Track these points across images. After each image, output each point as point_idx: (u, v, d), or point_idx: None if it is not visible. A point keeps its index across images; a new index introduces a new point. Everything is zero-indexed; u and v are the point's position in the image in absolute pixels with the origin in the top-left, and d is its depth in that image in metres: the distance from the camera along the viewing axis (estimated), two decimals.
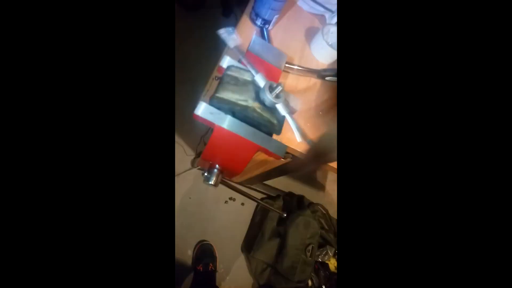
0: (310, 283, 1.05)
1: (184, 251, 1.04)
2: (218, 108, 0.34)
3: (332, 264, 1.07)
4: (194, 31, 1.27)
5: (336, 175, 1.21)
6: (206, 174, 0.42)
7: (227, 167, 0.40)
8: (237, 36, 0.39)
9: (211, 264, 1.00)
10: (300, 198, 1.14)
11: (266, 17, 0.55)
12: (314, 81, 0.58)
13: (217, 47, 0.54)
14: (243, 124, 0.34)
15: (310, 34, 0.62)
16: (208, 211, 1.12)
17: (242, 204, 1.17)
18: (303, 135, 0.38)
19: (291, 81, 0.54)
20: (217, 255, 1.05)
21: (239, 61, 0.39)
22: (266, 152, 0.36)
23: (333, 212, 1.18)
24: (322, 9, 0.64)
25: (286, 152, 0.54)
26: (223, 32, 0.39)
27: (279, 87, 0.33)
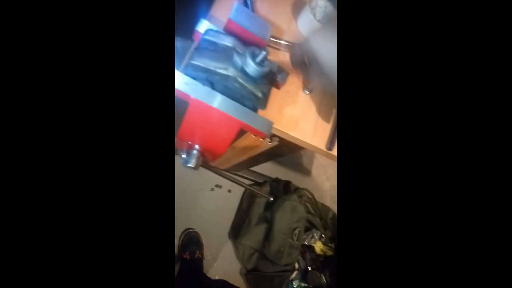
0: (296, 265, 1.07)
1: None
2: (194, 78, 0.30)
3: (318, 247, 1.09)
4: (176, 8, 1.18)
5: (323, 159, 1.21)
6: (184, 156, 0.38)
7: (208, 147, 0.37)
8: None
9: (197, 252, 0.98)
10: (287, 184, 1.14)
11: None
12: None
13: (196, 19, 0.49)
14: (223, 96, 0.31)
15: (297, 8, 0.58)
16: (194, 198, 1.09)
17: (229, 191, 1.14)
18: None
19: (276, 58, 0.50)
20: (203, 243, 1.03)
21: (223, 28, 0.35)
22: (250, 129, 0.33)
23: (318, 196, 1.19)
24: None
25: (273, 135, 0.51)
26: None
27: (263, 53, 0.30)
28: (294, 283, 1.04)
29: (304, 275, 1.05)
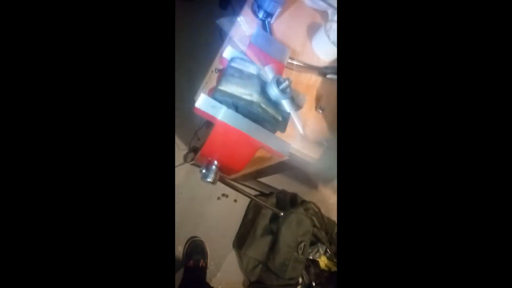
0: (300, 280, 1.06)
1: (175, 246, 1.02)
2: (221, 102, 0.32)
3: (323, 261, 1.08)
4: (189, 22, 1.23)
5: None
6: (204, 171, 0.40)
7: (227, 164, 0.39)
8: (242, 24, 0.36)
9: (201, 261, 0.98)
10: (293, 196, 1.14)
11: (268, 10, 0.53)
12: (315, 78, 0.57)
13: (213, 39, 0.51)
14: (247, 119, 0.33)
15: (312, 30, 0.60)
16: (200, 207, 1.10)
17: (235, 200, 1.15)
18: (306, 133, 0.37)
19: (291, 77, 0.53)
20: (208, 252, 1.03)
21: (243, 53, 0.37)
22: (269, 150, 0.35)
23: (325, 210, 1.19)
24: (324, 4, 0.63)
25: None
26: (224, 22, 0.37)
27: (287, 81, 0.32)
28: None
29: None
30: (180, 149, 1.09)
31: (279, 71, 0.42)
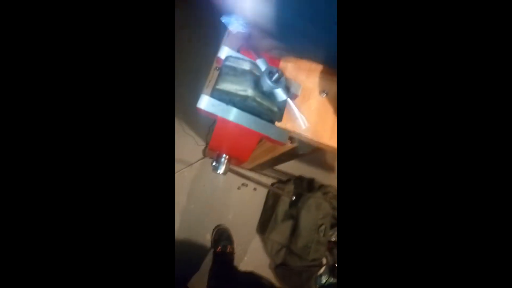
0: (324, 261, 1.09)
1: (203, 235, 1.10)
2: (219, 100, 0.35)
3: None
4: (192, 18, 1.25)
5: None
6: (214, 163, 0.44)
7: (234, 155, 0.42)
8: (241, 23, 0.37)
9: (229, 246, 1.06)
10: (311, 181, 1.16)
11: None
12: (316, 64, 0.57)
13: (217, 36, 0.54)
14: (245, 114, 0.36)
15: None
16: (222, 197, 1.16)
17: (255, 189, 1.20)
18: (304, 120, 0.39)
19: (292, 63, 0.53)
20: (233, 238, 1.10)
21: (238, 50, 0.39)
22: (268, 139, 0.38)
23: None
24: None
25: (290, 137, 0.55)
26: (226, 18, 0.37)
27: (278, 73, 0.34)
28: (322, 278, 1.06)
29: (332, 270, 1.07)
30: (199, 145, 1.15)
31: (275, 62, 0.43)
